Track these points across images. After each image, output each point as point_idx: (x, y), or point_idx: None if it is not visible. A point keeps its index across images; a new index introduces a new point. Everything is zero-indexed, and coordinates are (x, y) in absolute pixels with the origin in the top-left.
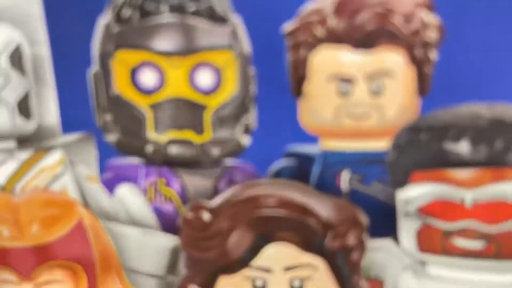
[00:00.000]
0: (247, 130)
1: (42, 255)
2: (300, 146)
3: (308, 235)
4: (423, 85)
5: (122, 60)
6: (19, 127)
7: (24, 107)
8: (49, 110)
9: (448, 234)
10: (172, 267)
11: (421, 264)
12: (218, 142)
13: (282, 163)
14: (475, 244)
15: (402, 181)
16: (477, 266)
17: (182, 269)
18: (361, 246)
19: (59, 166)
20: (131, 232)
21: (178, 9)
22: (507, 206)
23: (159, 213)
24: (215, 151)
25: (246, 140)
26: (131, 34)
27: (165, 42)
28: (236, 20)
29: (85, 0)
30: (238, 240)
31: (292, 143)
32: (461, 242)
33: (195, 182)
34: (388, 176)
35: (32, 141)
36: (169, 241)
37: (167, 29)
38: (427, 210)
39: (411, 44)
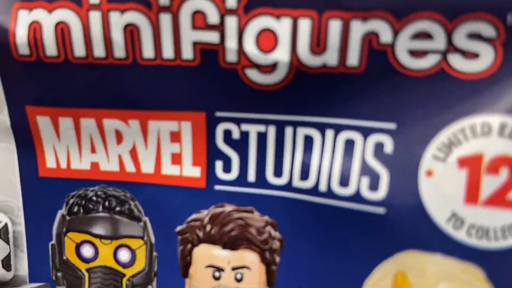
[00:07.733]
0: None
1: None
2: None
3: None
4: (270, 279)
5: (71, 238)
6: (2, 276)
7: (6, 263)
8: (22, 266)
9: None
10: None
11: None
12: None
13: None
14: None
15: None
16: None
17: None
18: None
19: None
20: None
21: (108, 209)
22: None
23: None
24: None
25: None
26: (78, 223)
27: (99, 229)
28: (146, 219)
29: (50, 197)
30: None
31: None
32: None
33: None
34: None
35: (9, 286)
36: None
37: (101, 221)
38: None
39: (262, 249)
